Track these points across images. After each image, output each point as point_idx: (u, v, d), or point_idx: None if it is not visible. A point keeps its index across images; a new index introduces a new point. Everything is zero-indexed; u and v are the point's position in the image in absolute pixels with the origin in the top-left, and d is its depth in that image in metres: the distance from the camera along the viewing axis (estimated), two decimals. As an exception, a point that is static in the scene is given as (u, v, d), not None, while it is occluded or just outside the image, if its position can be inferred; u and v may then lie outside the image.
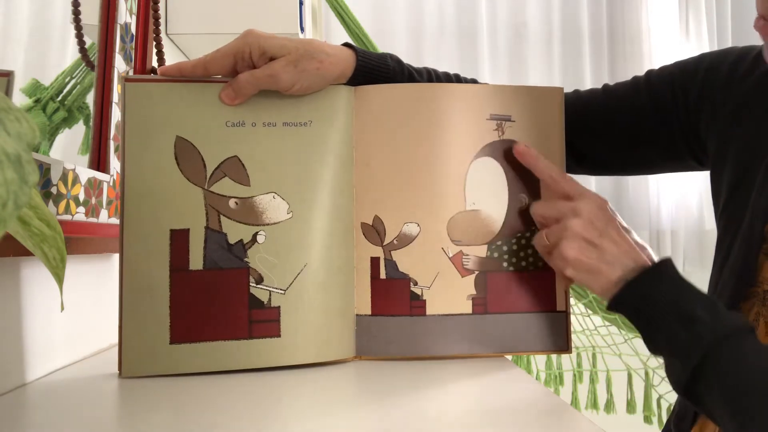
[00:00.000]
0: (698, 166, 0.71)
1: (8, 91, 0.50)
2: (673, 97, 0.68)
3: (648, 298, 0.51)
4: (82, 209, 0.59)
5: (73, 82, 0.62)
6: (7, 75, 0.51)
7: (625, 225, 0.58)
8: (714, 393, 0.47)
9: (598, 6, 2.28)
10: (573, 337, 1.39)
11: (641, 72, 0.73)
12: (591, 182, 2.16)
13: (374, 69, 0.64)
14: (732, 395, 0.45)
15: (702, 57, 0.68)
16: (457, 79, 0.73)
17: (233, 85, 0.58)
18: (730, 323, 0.48)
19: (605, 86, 0.74)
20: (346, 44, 0.64)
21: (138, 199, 0.56)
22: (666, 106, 0.68)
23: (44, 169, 0.51)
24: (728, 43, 2.29)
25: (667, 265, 0.53)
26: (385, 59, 0.65)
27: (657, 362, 1.43)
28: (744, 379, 0.45)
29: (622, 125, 0.71)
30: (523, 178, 0.64)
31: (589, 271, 0.54)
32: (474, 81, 0.74)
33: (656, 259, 0.55)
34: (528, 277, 0.63)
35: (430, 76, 0.70)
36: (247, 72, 0.57)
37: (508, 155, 0.64)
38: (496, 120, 0.64)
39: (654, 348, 0.53)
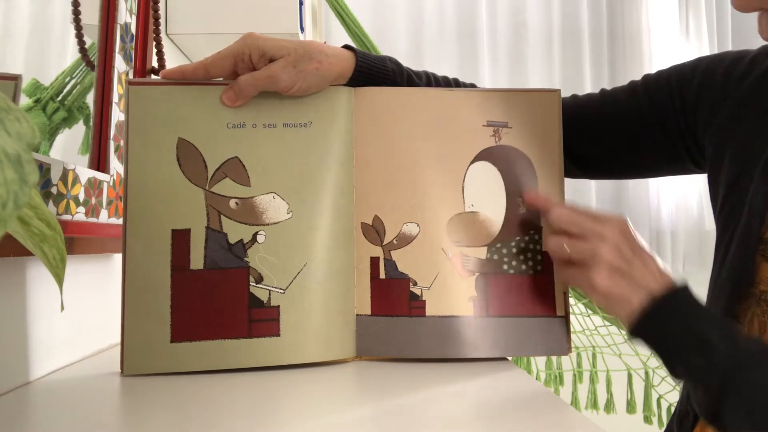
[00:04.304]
0: (696, 169, 0.72)
1: (15, 95, 0.51)
2: (671, 100, 0.68)
3: (665, 329, 0.51)
4: (82, 209, 0.59)
5: (73, 82, 0.62)
6: (15, 78, 0.51)
7: (645, 244, 0.57)
8: (740, 417, 0.47)
9: (598, 6, 2.28)
10: (573, 337, 1.40)
11: (641, 71, 0.73)
12: (591, 184, 2.16)
13: (373, 70, 0.64)
14: (759, 420, 0.46)
15: (698, 60, 0.69)
16: (456, 83, 0.73)
17: (234, 87, 0.58)
18: (748, 348, 0.48)
19: (602, 91, 0.75)
20: (346, 46, 0.64)
21: (140, 199, 0.56)
22: (663, 109, 0.69)
23: (44, 169, 0.51)
24: (728, 43, 2.29)
25: (682, 291, 0.52)
26: (384, 61, 0.65)
27: (657, 362, 1.43)
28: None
29: (620, 129, 0.71)
30: (521, 182, 0.64)
31: (617, 300, 0.53)
32: (473, 86, 0.74)
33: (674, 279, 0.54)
34: (528, 281, 0.63)
35: (429, 79, 0.70)
36: (248, 74, 0.58)
37: (505, 160, 0.64)
38: (493, 126, 0.64)
39: (675, 375, 0.52)
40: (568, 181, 0.81)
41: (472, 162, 0.64)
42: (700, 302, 0.52)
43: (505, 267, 0.63)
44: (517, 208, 0.64)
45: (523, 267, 0.63)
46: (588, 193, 2.21)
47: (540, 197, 0.61)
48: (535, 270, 0.63)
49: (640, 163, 0.73)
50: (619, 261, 0.53)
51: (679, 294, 0.52)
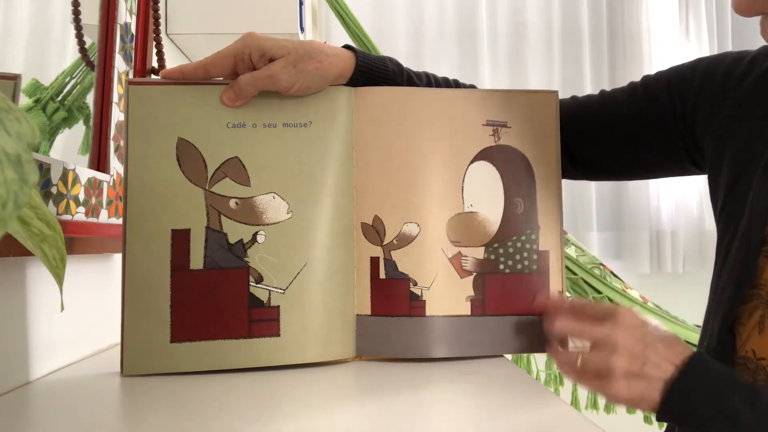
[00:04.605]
0: (696, 170, 0.72)
1: (15, 94, 0.51)
2: (670, 101, 0.68)
3: (688, 409, 0.51)
4: (82, 209, 0.59)
5: (73, 82, 0.62)
6: (14, 78, 0.51)
7: (653, 325, 0.55)
8: None
9: (598, 6, 2.28)
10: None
11: (641, 72, 0.73)
12: (591, 184, 2.16)
13: (373, 71, 0.64)
14: None
15: (698, 61, 0.69)
16: (456, 84, 0.73)
17: (234, 87, 0.58)
18: None
19: (602, 92, 0.75)
20: (346, 46, 0.64)
21: (140, 199, 0.56)
22: (663, 110, 0.69)
23: (44, 169, 0.51)
24: (728, 43, 2.29)
25: (697, 364, 0.52)
26: (384, 61, 0.65)
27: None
28: None
29: (619, 130, 0.71)
30: (519, 183, 0.64)
31: (639, 402, 0.53)
32: (473, 87, 0.74)
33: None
34: (523, 280, 0.64)
35: (429, 80, 0.70)
36: (248, 74, 0.58)
37: (503, 160, 0.64)
38: (492, 126, 0.64)
39: None
40: (568, 182, 0.81)
41: (472, 162, 0.64)
42: (716, 367, 0.52)
43: (502, 267, 0.64)
44: (514, 208, 0.64)
45: (519, 266, 0.64)
46: (588, 194, 2.21)
47: (548, 304, 0.61)
48: (531, 269, 0.64)
49: (639, 164, 0.73)
50: (634, 366, 0.52)
51: (695, 368, 0.51)
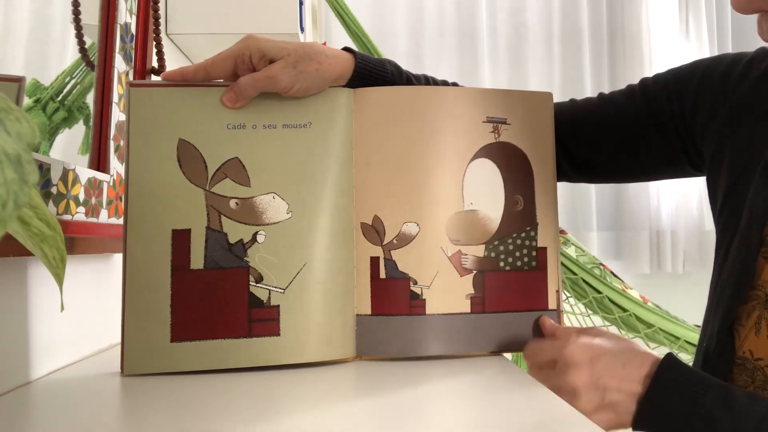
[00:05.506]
0: (695, 173, 0.72)
1: (19, 97, 0.51)
2: (669, 103, 0.68)
3: (663, 421, 0.52)
4: (82, 209, 0.59)
5: (73, 82, 0.62)
6: (18, 80, 0.51)
7: (603, 347, 0.56)
8: None
9: (598, 6, 2.28)
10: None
11: (641, 72, 0.74)
12: (591, 185, 2.16)
13: (372, 72, 0.64)
14: None
15: (696, 64, 0.69)
16: (455, 86, 0.73)
17: (234, 89, 0.58)
18: (746, 410, 0.49)
19: (601, 95, 0.75)
20: (346, 48, 0.65)
21: (141, 200, 0.57)
22: (661, 112, 0.69)
23: (44, 169, 0.51)
24: (728, 43, 2.29)
25: (665, 373, 0.53)
26: (383, 64, 0.66)
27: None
28: None
29: (618, 132, 0.72)
30: (519, 180, 0.65)
31: (617, 426, 0.54)
32: None
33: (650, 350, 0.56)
34: (522, 277, 0.64)
35: (428, 82, 0.71)
36: (248, 75, 0.58)
37: (504, 157, 0.65)
38: (492, 122, 0.65)
39: None
40: (568, 183, 0.82)
41: (472, 159, 0.64)
42: (685, 373, 0.52)
43: (502, 264, 0.64)
44: (514, 205, 0.65)
45: (519, 263, 0.65)
46: (588, 194, 2.21)
47: (547, 326, 0.63)
48: (530, 266, 0.65)
49: (639, 166, 0.74)
50: (595, 400, 0.54)
51: (662, 378, 0.53)
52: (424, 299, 0.62)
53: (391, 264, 0.62)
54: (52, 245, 0.40)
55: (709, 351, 0.61)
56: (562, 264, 1.40)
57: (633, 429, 0.54)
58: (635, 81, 0.74)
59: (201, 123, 0.59)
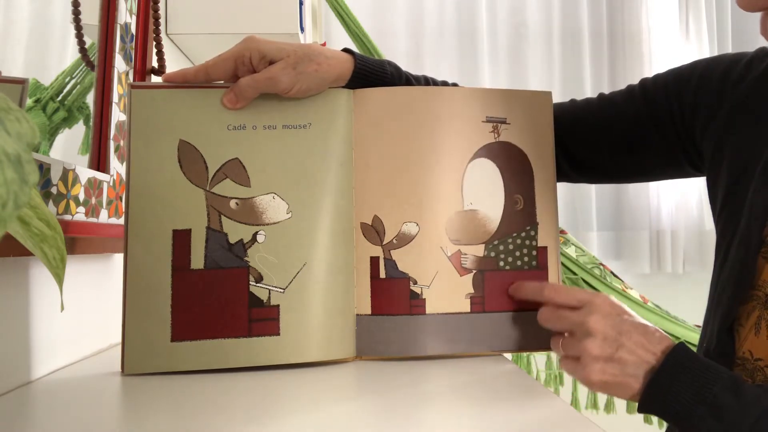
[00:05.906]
0: (695, 172, 0.72)
1: (22, 98, 0.51)
2: (668, 103, 0.68)
3: (671, 401, 0.51)
4: (82, 209, 0.59)
5: (73, 82, 0.62)
6: (22, 82, 0.51)
7: (630, 315, 0.56)
8: None
9: (598, 6, 2.28)
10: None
11: (641, 72, 0.74)
12: (591, 186, 2.16)
13: (372, 73, 0.64)
14: None
15: (695, 64, 0.69)
16: (455, 86, 0.74)
17: (235, 90, 0.59)
18: (756, 398, 0.48)
19: (600, 95, 0.75)
20: (345, 49, 0.65)
21: (142, 200, 0.57)
22: (661, 112, 0.69)
23: (44, 169, 0.51)
24: (728, 43, 2.29)
25: (678, 354, 0.52)
26: (383, 65, 0.66)
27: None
28: None
29: (618, 132, 0.72)
30: (519, 180, 0.65)
31: (615, 388, 0.53)
32: None
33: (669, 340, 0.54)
34: (523, 276, 0.64)
35: (428, 83, 0.71)
36: (248, 76, 0.58)
37: (504, 157, 0.65)
38: (492, 122, 0.65)
39: None
40: (568, 183, 0.82)
41: (472, 159, 0.64)
42: (698, 359, 0.52)
43: (502, 263, 0.64)
44: (514, 204, 0.65)
45: (519, 263, 0.64)
46: (588, 194, 2.21)
47: (517, 287, 0.62)
48: (531, 265, 0.65)
49: (638, 167, 0.74)
50: (607, 350, 0.53)
51: (676, 358, 0.52)
52: (424, 299, 0.62)
53: (390, 264, 0.62)
54: (52, 245, 0.40)
55: (709, 351, 0.61)
56: (562, 264, 1.40)
57: (638, 410, 0.53)
58: (635, 81, 0.74)
59: (202, 124, 0.59)
